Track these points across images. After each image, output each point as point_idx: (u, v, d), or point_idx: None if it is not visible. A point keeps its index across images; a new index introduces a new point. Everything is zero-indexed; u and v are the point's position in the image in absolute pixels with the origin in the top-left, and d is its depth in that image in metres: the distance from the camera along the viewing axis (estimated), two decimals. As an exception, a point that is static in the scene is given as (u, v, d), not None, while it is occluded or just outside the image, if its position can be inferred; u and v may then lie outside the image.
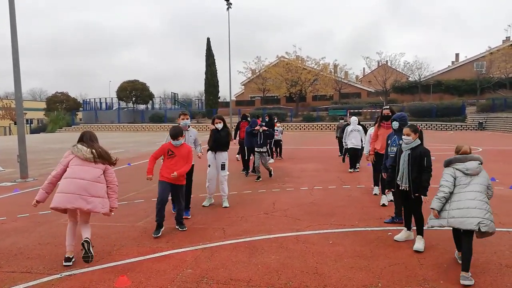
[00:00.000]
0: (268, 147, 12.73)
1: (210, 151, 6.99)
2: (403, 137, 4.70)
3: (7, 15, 10.60)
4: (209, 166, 6.97)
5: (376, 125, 7.00)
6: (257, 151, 9.65)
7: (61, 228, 5.79)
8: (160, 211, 5.33)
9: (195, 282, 3.81)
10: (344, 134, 11.16)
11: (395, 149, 5.57)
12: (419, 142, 4.64)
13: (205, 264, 4.28)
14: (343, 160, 12.78)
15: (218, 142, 6.88)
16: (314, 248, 4.71)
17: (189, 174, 6.01)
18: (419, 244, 4.62)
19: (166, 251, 4.71)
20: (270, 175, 10.00)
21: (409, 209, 4.87)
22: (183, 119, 6.39)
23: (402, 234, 4.96)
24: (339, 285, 3.70)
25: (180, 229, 5.53)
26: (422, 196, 4.58)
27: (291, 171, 11.28)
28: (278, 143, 14.57)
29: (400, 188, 4.76)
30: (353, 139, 10.64)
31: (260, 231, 5.43)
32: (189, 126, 6.42)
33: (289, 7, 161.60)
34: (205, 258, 4.46)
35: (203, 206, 6.95)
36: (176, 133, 5.44)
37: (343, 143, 11.53)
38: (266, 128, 9.52)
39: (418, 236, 4.69)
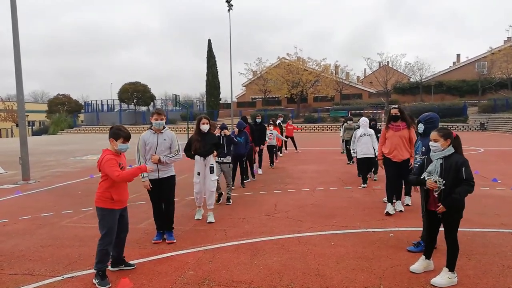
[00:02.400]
0: (256, 155, 10.36)
1: (198, 157, 6.05)
2: (430, 143, 3.81)
3: (8, 15, 10.70)
4: (198, 174, 6.07)
5: (384, 126, 6.38)
6: (217, 162, 6.90)
7: (63, 230, 5.81)
8: (108, 253, 4.00)
9: (197, 284, 3.81)
10: (352, 140, 9.21)
11: (419, 157, 4.76)
12: (452, 150, 3.72)
13: (207, 266, 4.28)
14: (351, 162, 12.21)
15: (208, 145, 6.04)
16: (316, 250, 4.71)
17: (172, 189, 5.27)
18: (441, 278, 3.67)
19: (167, 253, 4.72)
20: (218, 199, 7.27)
21: (432, 232, 3.97)
22: (156, 119, 5.02)
23: (420, 264, 4.01)
24: (341, 287, 3.70)
25: (125, 267, 4.28)
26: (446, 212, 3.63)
27: (292, 173, 11.28)
28: (271, 149, 12.45)
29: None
30: (363, 146, 8.59)
31: (262, 233, 5.43)
32: (163, 128, 5.12)
33: (289, 7, 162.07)
34: (207, 260, 4.46)
35: (196, 219, 6.16)
36: (118, 134, 4.03)
37: (351, 151, 10.10)
38: (228, 133, 7.27)
39: (444, 268, 3.72)
